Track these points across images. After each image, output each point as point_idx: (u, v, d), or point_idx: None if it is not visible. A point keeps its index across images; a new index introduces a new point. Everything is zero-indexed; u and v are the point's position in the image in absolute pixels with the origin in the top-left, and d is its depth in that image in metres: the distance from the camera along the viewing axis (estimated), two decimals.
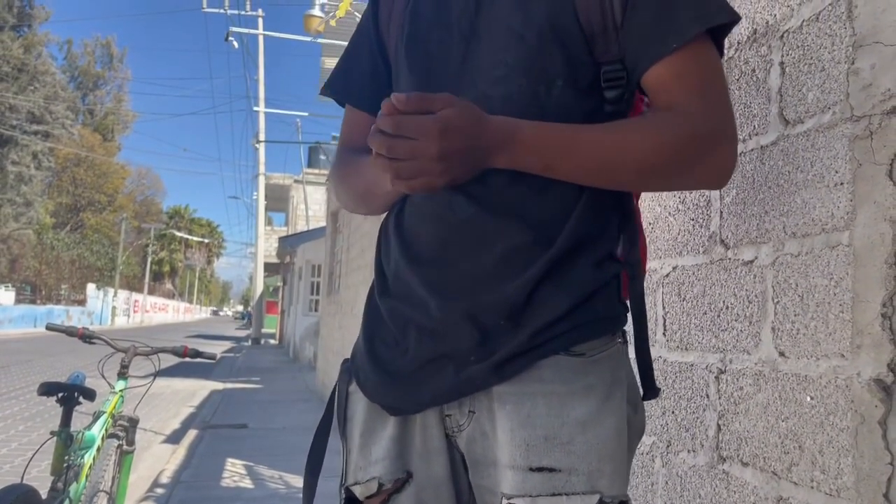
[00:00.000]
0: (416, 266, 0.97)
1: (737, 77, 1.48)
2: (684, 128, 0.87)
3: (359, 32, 1.14)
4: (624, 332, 0.98)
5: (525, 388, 0.90)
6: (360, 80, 1.12)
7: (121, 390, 2.90)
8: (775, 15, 1.37)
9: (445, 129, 0.80)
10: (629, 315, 0.99)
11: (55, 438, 2.59)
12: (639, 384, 1.01)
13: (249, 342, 25.73)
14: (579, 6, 0.92)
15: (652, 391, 1.00)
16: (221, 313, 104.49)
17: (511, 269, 0.91)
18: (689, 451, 1.57)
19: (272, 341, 28.06)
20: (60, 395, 2.68)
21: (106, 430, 2.72)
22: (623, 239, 0.97)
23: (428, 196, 0.95)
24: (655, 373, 1.70)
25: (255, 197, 27.19)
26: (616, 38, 0.92)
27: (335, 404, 1.05)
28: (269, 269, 28.67)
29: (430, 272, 0.95)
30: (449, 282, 0.93)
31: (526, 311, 0.90)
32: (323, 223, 15.53)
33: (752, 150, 1.41)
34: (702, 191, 1.58)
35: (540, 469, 0.87)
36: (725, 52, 1.52)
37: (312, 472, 1.04)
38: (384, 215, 1.09)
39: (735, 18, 0.92)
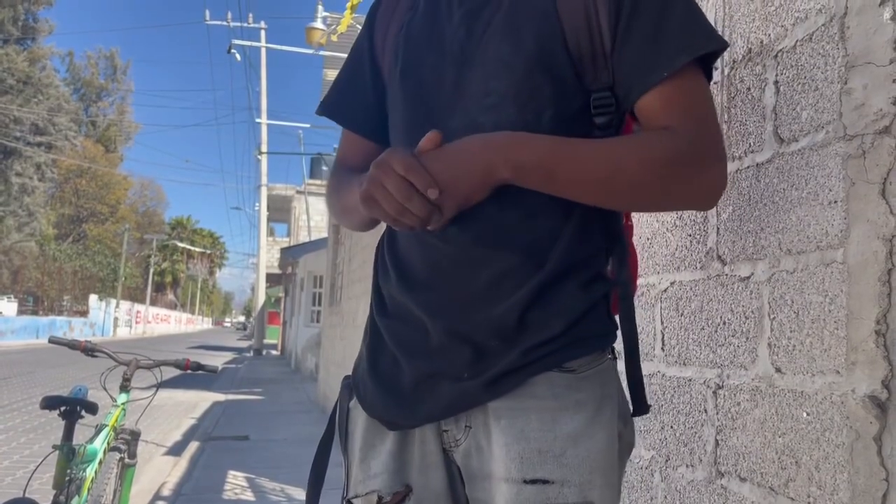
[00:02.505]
0: (410, 288, 0.99)
1: (732, 95, 1.50)
2: (674, 145, 0.90)
3: (354, 53, 1.17)
4: (614, 349, 1.01)
5: (519, 404, 0.93)
6: (354, 103, 1.15)
7: (123, 403, 2.91)
8: (769, 35, 1.39)
9: (410, 168, 0.85)
10: (619, 332, 1.01)
11: (57, 452, 2.61)
12: (629, 400, 1.02)
13: (251, 353, 25.71)
14: (568, 34, 0.94)
15: (642, 407, 1.01)
16: (226, 324, 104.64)
17: (502, 293, 0.93)
18: (687, 466, 1.58)
19: (274, 352, 28.03)
20: (63, 408, 2.69)
21: (108, 443, 2.73)
22: (613, 259, 0.99)
23: None
24: (654, 387, 1.72)
25: (257, 208, 27.27)
26: (605, 64, 0.93)
27: (336, 420, 1.08)
28: (271, 279, 28.68)
29: (423, 295, 0.98)
30: (442, 304, 0.96)
31: (518, 331, 0.93)
32: (325, 234, 15.55)
33: (748, 167, 1.43)
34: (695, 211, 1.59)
35: (534, 481, 0.90)
36: (722, 70, 1.54)
37: (315, 487, 1.07)
38: (381, 233, 1.11)
39: (722, 46, 0.94)
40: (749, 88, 1.45)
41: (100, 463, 2.62)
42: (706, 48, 0.92)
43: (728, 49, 1.52)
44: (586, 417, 0.92)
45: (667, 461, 1.66)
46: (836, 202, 1.19)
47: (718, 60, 1.55)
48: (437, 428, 0.98)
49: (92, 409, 2.76)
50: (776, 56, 1.37)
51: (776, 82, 1.37)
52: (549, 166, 0.88)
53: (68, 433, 2.68)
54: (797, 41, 1.31)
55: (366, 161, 1.07)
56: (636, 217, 1.86)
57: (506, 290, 0.93)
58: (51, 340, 3.03)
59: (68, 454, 2.57)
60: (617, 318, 1.01)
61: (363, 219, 1.07)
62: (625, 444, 0.99)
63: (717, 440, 1.48)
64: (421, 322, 0.97)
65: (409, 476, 0.99)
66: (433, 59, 1.01)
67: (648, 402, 1.03)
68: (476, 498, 0.97)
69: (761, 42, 1.42)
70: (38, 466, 2.60)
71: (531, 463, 0.90)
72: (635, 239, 1.86)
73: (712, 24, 1.58)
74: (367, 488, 0.99)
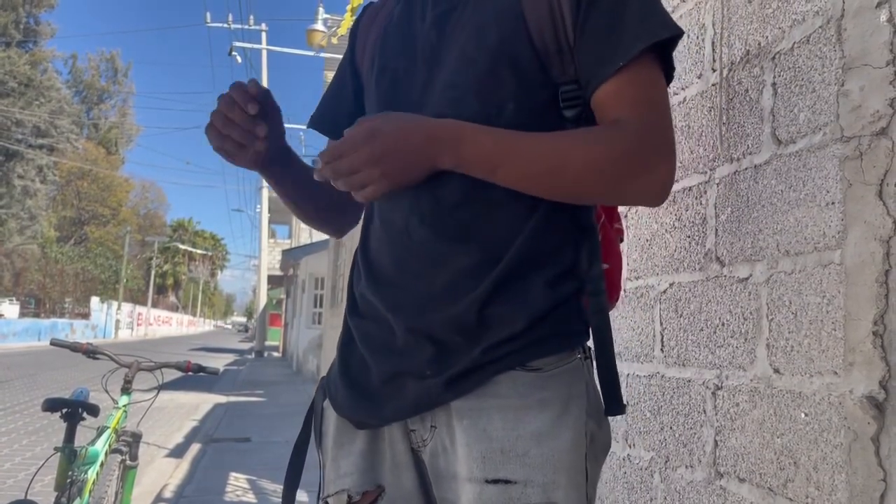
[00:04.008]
0: (378, 286, 1.01)
1: (730, 97, 1.51)
2: (619, 140, 0.90)
3: (340, 66, 1.22)
4: (588, 348, 1.00)
5: (482, 403, 0.92)
6: (337, 113, 1.18)
7: (124, 405, 2.92)
8: (767, 37, 1.40)
9: (371, 135, 0.89)
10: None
11: (59, 454, 2.61)
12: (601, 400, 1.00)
13: (253, 355, 25.73)
14: (532, 29, 0.95)
15: (616, 407, 0.98)
16: (227, 325, 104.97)
17: (461, 288, 0.93)
18: (686, 467, 1.58)
19: (275, 354, 28.05)
20: (64, 410, 2.70)
21: (109, 445, 2.73)
22: (583, 256, 0.98)
23: (387, 220, 1.01)
24: (654, 388, 1.73)
25: (258, 209, 27.28)
26: (571, 58, 0.94)
27: (312, 420, 1.09)
28: (273, 281, 28.73)
29: (389, 292, 0.99)
30: (406, 302, 0.97)
31: (479, 328, 0.93)
32: (326, 235, 15.55)
33: (746, 168, 1.43)
34: (696, 209, 1.60)
35: (496, 481, 0.89)
36: (720, 72, 1.54)
37: (290, 487, 1.08)
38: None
39: (677, 33, 0.94)
40: (747, 90, 1.45)
41: (101, 465, 2.63)
42: (658, 36, 0.91)
43: (726, 51, 1.53)
44: (551, 417, 0.91)
45: (666, 462, 1.67)
46: (833, 203, 1.19)
47: (717, 62, 1.56)
48: (404, 428, 0.99)
49: (93, 411, 2.77)
50: (774, 58, 1.37)
51: (774, 84, 1.37)
52: (492, 162, 0.90)
53: (70, 435, 2.69)
54: (794, 43, 1.32)
55: None
56: (634, 219, 1.86)
57: (465, 285, 0.93)
58: (52, 343, 3.04)
59: (70, 456, 2.57)
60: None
61: (329, 217, 1.15)
62: (599, 445, 0.97)
63: (716, 441, 1.48)
64: (386, 321, 0.98)
65: (381, 476, 0.99)
66: (406, 62, 1.03)
67: (624, 402, 1.00)
68: (443, 498, 0.97)
69: (759, 44, 1.42)
70: (39, 468, 2.61)
71: (493, 463, 0.90)
72: (634, 240, 1.86)
73: (711, 25, 1.59)
74: (337, 487, 1.00)
